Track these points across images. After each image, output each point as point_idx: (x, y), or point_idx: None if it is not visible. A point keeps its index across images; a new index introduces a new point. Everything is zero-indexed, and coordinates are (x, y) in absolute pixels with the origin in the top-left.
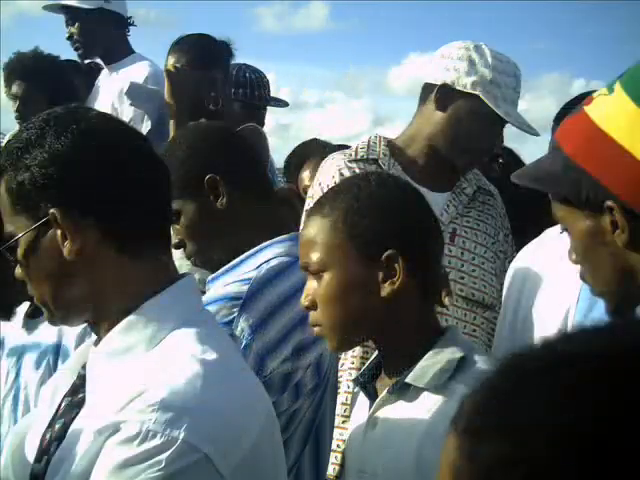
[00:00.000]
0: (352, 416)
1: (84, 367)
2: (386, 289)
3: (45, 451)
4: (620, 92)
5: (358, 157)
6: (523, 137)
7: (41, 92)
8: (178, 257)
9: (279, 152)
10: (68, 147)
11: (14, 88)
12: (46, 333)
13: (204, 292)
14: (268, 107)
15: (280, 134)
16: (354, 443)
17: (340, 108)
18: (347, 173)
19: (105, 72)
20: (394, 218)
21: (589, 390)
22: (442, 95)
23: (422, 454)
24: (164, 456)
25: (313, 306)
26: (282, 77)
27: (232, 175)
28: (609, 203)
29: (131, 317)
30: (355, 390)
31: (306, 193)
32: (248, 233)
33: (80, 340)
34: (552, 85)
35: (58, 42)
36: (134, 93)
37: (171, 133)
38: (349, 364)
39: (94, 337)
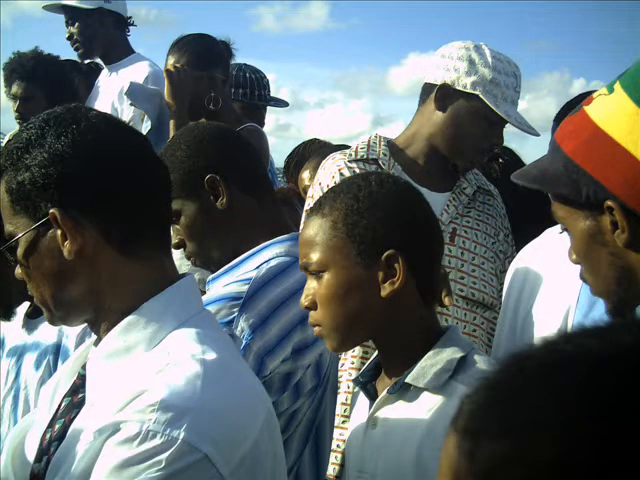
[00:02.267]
0: (352, 416)
1: (84, 367)
2: (386, 289)
3: (45, 451)
4: (620, 92)
5: (358, 157)
6: (523, 137)
7: (41, 92)
8: (178, 257)
9: (279, 152)
10: (68, 147)
11: (14, 88)
12: (46, 333)
13: (204, 292)
14: (268, 107)
15: (280, 134)
16: (354, 443)
17: (340, 108)
18: (347, 173)
19: (105, 72)
20: (394, 218)
21: (589, 390)
22: (442, 95)
23: (422, 454)
24: (164, 456)
25: (313, 306)
26: (282, 77)
27: (232, 175)
28: (609, 203)
29: (131, 317)
30: (355, 390)
31: (306, 193)
32: (248, 233)
33: (80, 340)
34: (552, 85)
35: (58, 42)
36: (134, 93)
37: (171, 133)
38: (349, 364)
39: (94, 337)
